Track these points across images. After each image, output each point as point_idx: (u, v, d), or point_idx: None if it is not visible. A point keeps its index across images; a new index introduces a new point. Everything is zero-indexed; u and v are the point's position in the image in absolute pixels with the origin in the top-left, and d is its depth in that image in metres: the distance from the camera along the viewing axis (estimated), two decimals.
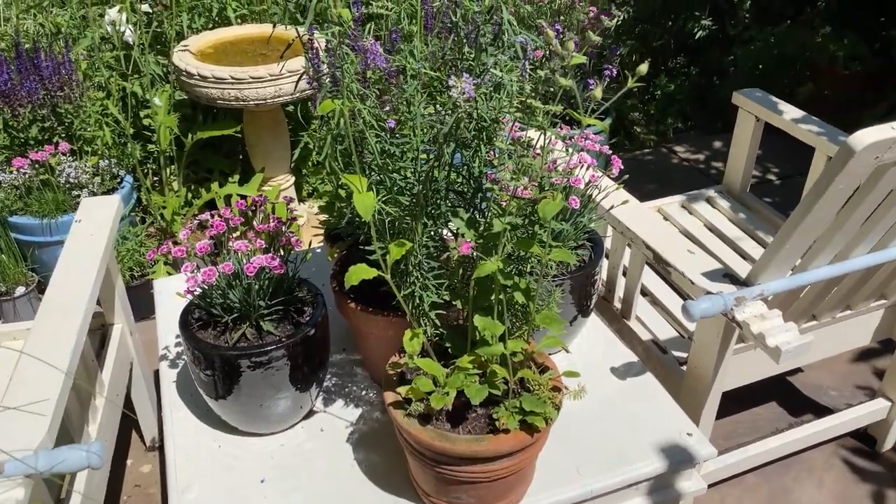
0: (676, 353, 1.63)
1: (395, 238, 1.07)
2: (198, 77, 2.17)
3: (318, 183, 2.69)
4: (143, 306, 2.15)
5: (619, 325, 1.72)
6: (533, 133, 1.07)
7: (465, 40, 0.91)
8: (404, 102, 0.98)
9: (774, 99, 2.04)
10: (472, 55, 0.90)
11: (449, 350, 1.15)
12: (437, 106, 1.18)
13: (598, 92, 0.81)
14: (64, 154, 2.24)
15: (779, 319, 1.28)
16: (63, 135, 2.31)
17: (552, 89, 0.90)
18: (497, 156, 1.01)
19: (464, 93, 0.79)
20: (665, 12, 3.74)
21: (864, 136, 1.09)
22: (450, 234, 1.01)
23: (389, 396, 1.11)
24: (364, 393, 1.43)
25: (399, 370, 1.14)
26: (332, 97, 0.95)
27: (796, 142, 1.99)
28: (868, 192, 1.22)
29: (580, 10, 3.21)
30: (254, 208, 1.30)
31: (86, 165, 2.26)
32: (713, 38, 3.75)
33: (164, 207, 2.29)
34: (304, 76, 1.01)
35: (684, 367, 1.57)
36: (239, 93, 2.17)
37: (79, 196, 2.26)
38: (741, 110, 2.10)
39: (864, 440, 1.93)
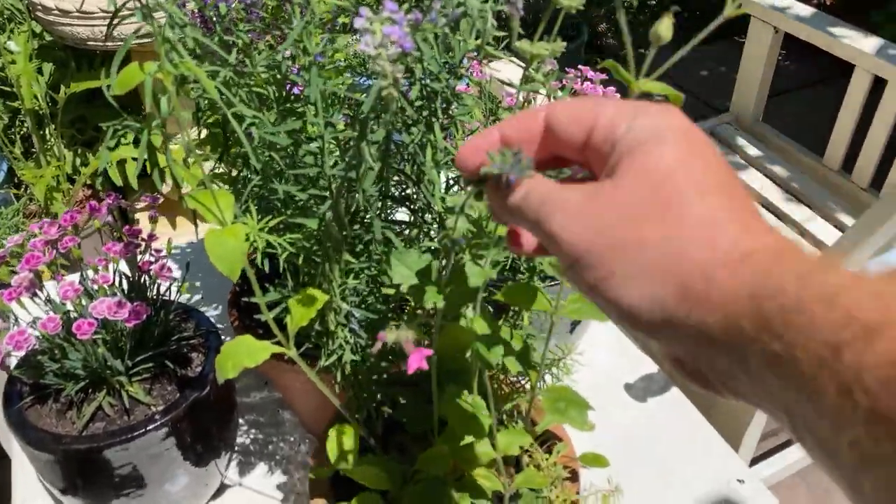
0: None
1: (303, 277, 0.66)
2: (57, 11, 1.66)
3: None
4: None
5: None
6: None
7: None
8: (298, 48, 0.55)
9: (798, 3, 1.62)
10: None
11: (404, 424, 0.75)
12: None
13: (664, 28, 0.39)
14: None
15: None
16: None
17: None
18: (460, 134, 0.59)
19: (389, 43, 0.36)
20: None
21: None
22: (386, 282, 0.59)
23: None
24: (294, 451, 1.03)
25: (329, 473, 0.74)
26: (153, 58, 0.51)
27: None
28: None
29: None
30: (97, 213, 0.86)
31: None
32: None
33: (34, 184, 1.81)
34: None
35: None
36: (113, 30, 1.67)
37: None
38: (754, 20, 1.67)
39: None
